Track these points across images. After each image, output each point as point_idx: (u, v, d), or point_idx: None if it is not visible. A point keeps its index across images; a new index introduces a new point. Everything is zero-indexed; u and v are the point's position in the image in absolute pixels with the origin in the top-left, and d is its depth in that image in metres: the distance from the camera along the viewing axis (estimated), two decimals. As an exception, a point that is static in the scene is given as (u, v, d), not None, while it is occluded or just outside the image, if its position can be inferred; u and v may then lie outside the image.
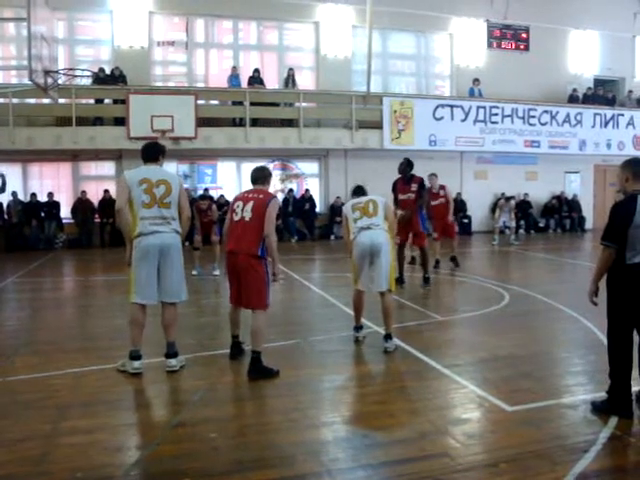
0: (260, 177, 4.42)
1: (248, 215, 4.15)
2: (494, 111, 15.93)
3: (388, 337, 4.89)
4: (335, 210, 14.86)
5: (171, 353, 4.34)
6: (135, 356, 4.27)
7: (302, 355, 4.89)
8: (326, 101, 15.14)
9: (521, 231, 16.14)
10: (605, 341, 3.77)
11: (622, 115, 17.25)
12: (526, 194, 16.61)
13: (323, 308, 6.80)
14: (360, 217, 4.93)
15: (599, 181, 18.21)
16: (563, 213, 17.18)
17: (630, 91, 18.18)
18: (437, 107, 15.44)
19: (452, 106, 15.57)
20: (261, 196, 4.25)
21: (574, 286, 8.38)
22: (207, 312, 6.72)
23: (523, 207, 16.40)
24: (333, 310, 6.56)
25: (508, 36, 17.06)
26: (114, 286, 8.33)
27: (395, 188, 7.89)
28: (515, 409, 3.56)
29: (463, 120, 15.62)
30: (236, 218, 4.22)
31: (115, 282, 8.62)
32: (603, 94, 17.57)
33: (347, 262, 6.78)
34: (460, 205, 15.77)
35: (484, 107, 15.79)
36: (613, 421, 3.39)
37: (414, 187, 7.67)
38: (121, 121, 13.50)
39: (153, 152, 4.34)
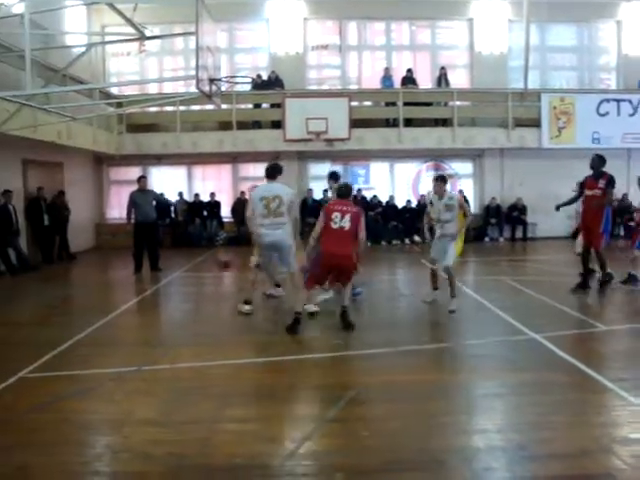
0: (348, 193, 6.33)
1: (347, 225, 5.92)
2: (667, 104, 15.95)
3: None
4: (490, 211, 15.75)
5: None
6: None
7: (454, 358, 5.29)
8: (481, 99, 16.10)
9: None
10: None
11: None
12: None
13: (478, 312, 7.09)
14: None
15: None
16: None
17: None
18: (601, 102, 15.84)
19: (619, 100, 15.88)
20: (354, 209, 6.08)
21: None
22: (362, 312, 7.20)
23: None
24: (487, 314, 6.88)
25: (684, 21, 16.93)
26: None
27: (583, 184, 8.69)
28: None
29: (631, 115, 15.90)
30: (335, 226, 5.93)
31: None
32: None
33: (501, 264, 8.05)
34: (625, 208, 15.94)
35: (656, 101, 15.88)
36: None
37: (602, 184, 8.30)
38: (278, 124, 15.40)
39: (272, 172, 6.70)
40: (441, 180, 7.21)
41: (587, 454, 3.21)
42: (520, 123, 15.75)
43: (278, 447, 3.34)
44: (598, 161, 8.44)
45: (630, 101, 15.94)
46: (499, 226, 15.87)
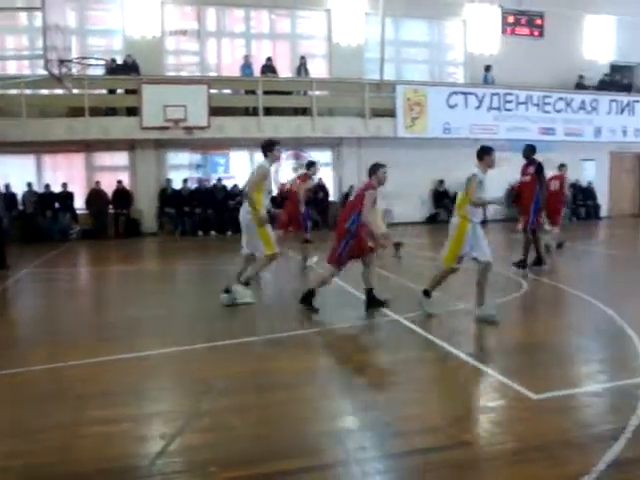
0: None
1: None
2: (508, 98, 17.93)
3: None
4: (348, 199, 16.74)
5: None
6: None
7: (322, 343, 5.56)
8: (339, 89, 17.09)
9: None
10: (628, 328, 4.97)
11: (638, 102, 19.25)
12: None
13: (343, 296, 7.35)
14: None
15: (615, 168, 20.27)
16: (578, 201, 19.12)
17: (646, 77, 20.17)
18: (451, 94, 17.41)
19: (466, 93, 17.55)
20: (362, 189, 6.37)
21: (591, 273, 9.81)
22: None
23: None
24: (352, 298, 7.13)
25: (522, 22, 19.11)
26: (129, 276, 9.79)
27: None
28: (541, 397, 3.89)
29: (477, 107, 17.63)
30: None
31: (130, 272, 10.12)
32: (619, 80, 19.48)
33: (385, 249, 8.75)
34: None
35: (498, 94, 17.79)
36: None
37: (531, 170, 9.24)
38: (134, 111, 15.33)
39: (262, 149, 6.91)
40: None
41: (451, 425, 3.50)
42: (377, 113, 16.91)
43: (147, 446, 3.34)
44: (528, 150, 9.45)
45: (476, 95, 17.68)
46: (357, 213, 16.88)
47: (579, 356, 5.18)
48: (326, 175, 17.36)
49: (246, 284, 6.89)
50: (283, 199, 12.18)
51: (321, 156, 17.47)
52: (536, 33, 19.34)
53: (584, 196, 19.46)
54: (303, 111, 16.54)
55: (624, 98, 19.32)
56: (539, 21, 19.31)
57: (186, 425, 3.57)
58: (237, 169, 16.88)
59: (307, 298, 6.40)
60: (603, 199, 19.88)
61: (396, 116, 16.91)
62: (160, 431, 3.52)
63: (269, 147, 6.89)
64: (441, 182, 17.89)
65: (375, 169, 6.42)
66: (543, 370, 4.57)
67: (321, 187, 16.66)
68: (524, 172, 9.48)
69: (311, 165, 10.44)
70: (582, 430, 3.50)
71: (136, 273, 10.30)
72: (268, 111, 16.06)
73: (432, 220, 17.82)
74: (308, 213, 10.42)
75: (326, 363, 5.00)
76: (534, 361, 4.84)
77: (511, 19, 19.09)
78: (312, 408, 3.86)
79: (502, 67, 18.37)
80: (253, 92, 16.08)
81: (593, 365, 4.87)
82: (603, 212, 19.75)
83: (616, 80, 19.76)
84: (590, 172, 19.93)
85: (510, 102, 18.05)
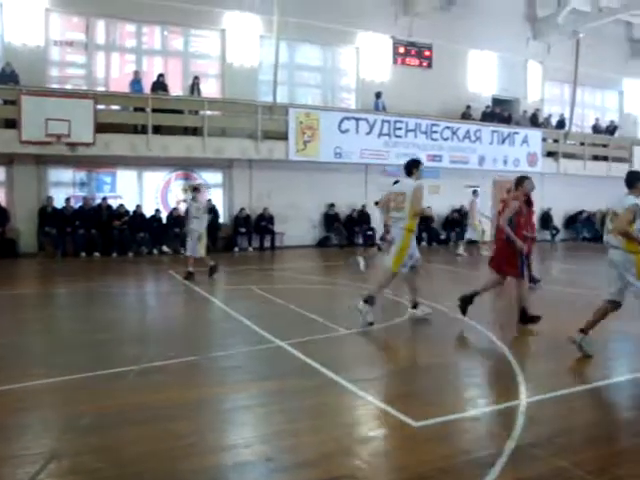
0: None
1: None
2: (398, 125, 19.31)
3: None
4: (239, 221, 17.36)
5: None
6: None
7: (201, 373, 5.47)
8: (231, 110, 17.69)
9: (423, 243, 19.50)
10: (506, 350, 5.59)
11: (517, 133, 21.38)
12: (429, 207, 20.00)
13: (225, 323, 7.68)
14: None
15: (497, 195, 22.09)
16: (464, 226, 20.73)
17: (525, 111, 22.41)
18: (343, 119, 18.51)
19: (357, 119, 18.73)
20: None
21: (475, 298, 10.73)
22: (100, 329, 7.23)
23: (425, 220, 19.80)
24: (235, 324, 7.42)
25: (412, 53, 20.69)
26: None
27: None
28: (421, 424, 4.06)
29: (368, 133, 18.85)
30: None
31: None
32: (500, 113, 21.52)
33: (250, 274, 9.14)
34: (364, 217, 18.89)
35: (389, 121, 19.10)
36: (517, 432, 3.96)
37: None
38: (12, 123, 15.10)
39: (408, 168, 7.55)
40: None
41: (330, 457, 3.58)
42: (269, 135, 17.67)
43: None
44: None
45: (367, 120, 18.89)
46: (248, 236, 17.57)
47: (460, 381, 5.47)
48: (217, 197, 17.86)
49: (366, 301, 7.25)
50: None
51: (212, 177, 18.00)
52: (425, 64, 21.00)
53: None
54: (194, 131, 16.96)
55: (505, 129, 21.32)
56: (427, 53, 20.99)
57: (42, 469, 3.39)
58: (124, 188, 16.97)
59: (528, 320, 7.25)
60: (486, 224, 21.68)
61: (288, 139, 17.67)
62: (12, 477, 3.31)
63: (416, 166, 7.52)
64: (332, 206, 18.88)
65: (521, 181, 7.47)
66: (424, 396, 4.81)
67: (210, 209, 17.08)
68: None
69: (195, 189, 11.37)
70: (461, 457, 3.66)
71: (5, 297, 10.06)
72: (157, 129, 16.34)
73: (322, 244, 18.72)
74: None
75: (204, 394, 4.86)
76: (416, 387, 5.10)
77: (402, 49, 20.63)
78: (187, 444, 3.78)
79: (393, 95, 19.80)
80: (142, 109, 16.30)
81: (473, 390, 5.19)
82: (487, 236, 21.52)
83: (497, 112, 21.75)
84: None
85: (400, 129, 19.42)
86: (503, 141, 21.31)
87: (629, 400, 5.04)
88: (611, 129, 25.04)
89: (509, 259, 7.31)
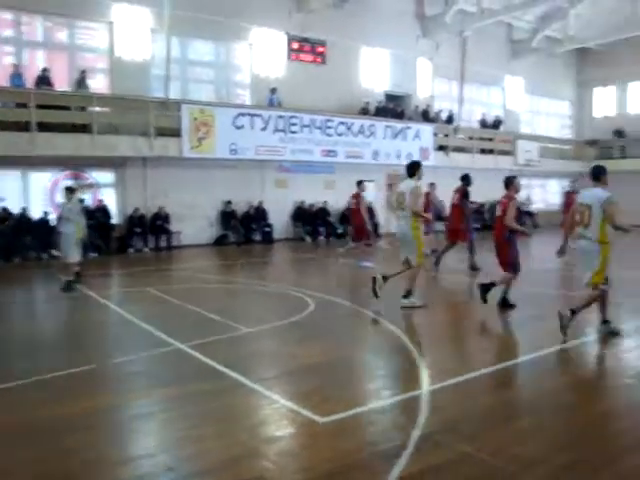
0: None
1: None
2: (293, 121, 19.80)
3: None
4: (134, 221, 17.26)
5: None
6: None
7: (97, 382, 5.32)
8: (122, 106, 17.42)
9: (321, 237, 20.21)
10: (407, 341, 6.11)
11: (410, 128, 22.51)
12: (325, 202, 20.78)
13: (122, 327, 7.57)
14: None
15: (391, 189, 23.21)
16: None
17: (416, 106, 23.60)
18: (237, 116, 18.77)
19: (252, 115, 19.05)
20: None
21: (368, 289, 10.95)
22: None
23: (322, 215, 20.52)
24: (132, 328, 7.31)
25: (306, 49, 21.23)
26: None
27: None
28: (327, 420, 4.18)
29: (263, 129, 19.20)
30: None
31: None
32: (393, 108, 22.55)
33: (147, 275, 9.10)
34: (261, 214, 19.32)
35: (283, 117, 19.56)
36: (421, 421, 4.14)
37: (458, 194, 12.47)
38: None
39: (410, 169, 8.48)
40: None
41: (238, 461, 3.59)
42: (162, 132, 17.57)
43: None
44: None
45: (262, 117, 19.22)
46: (143, 236, 17.49)
47: (364, 374, 5.67)
48: (109, 196, 17.63)
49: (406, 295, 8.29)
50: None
51: (103, 176, 17.72)
52: (319, 60, 21.62)
53: (371, 215, 22.06)
54: (83, 128, 16.56)
55: (397, 124, 22.37)
56: (321, 49, 21.61)
57: None
58: (7, 190, 16.32)
59: (507, 306, 8.06)
60: (381, 217, 22.77)
61: (182, 136, 17.67)
62: None
63: (417, 168, 8.43)
64: (229, 203, 19.15)
65: (511, 180, 8.15)
66: (329, 391, 4.90)
67: (100, 209, 16.90)
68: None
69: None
70: (368, 450, 3.78)
71: None
72: (43, 126, 15.85)
73: (220, 242, 18.95)
74: None
75: (100, 404, 4.72)
76: (320, 383, 5.14)
77: (296, 45, 21.12)
78: (81, 460, 3.70)
79: (288, 90, 20.28)
80: (25, 105, 15.77)
81: (377, 382, 5.37)
82: (383, 229, 22.60)
83: (390, 108, 22.78)
84: (370, 192, 22.65)
85: (295, 125, 19.91)
86: (396, 136, 22.34)
87: (525, 381, 5.48)
88: (496, 124, 26.85)
89: (503, 255, 8.13)
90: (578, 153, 30.34)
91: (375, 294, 8.43)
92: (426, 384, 5.01)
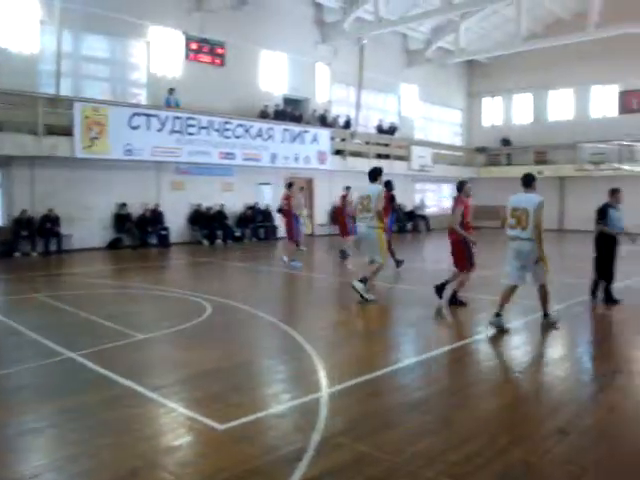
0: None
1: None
2: (191, 122, 19.85)
3: None
4: (20, 223, 16.70)
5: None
6: None
7: None
8: (7, 102, 16.74)
9: (219, 241, 20.42)
10: (305, 344, 6.28)
11: (307, 132, 23.14)
12: (222, 205, 21.00)
13: (7, 337, 7.17)
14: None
15: (296, 192, 23.77)
16: (257, 223, 22.08)
17: (314, 110, 24.29)
18: (133, 115, 18.57)
19: (149, 115, 18.91)
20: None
21: (272, 292, 11.10)
22: None
23: (220, 218, 20.74)
24: (19, 338, 6.97)
25: (205, 49, 21.31)
26: None
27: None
28: (227, 426, 4.20)
29: (160, 130, 19.12)
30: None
31: None
32: (291, 112, 23.09)
33: (35, 280, 8.89)
34: (158, 217, 19.26)
35: (181, 118, 19.57)
36: (321, 423, 4.25)
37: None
38: None
39: (372, 174, 9.42)
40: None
41: (134, 475, 3.52)
42: (52, 131, 17.07)
43: None
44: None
45: (159, 117, 19.13)
46: (31, 239, 16.94)
47: (263, 378, 5.72)
48: (-8, 197, 16.98)
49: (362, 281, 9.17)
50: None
51: (-14, 176, 17.01)
52: (217, 61, 21.76)
53: (263, 217, 22.55)
54: (-37, 125, 15.86)
55: (295, 128, 22.93)
56: (220, 50, 21.76)
57: None
58: None
59: (458, 303, 8.79)
60: (279, 220, 23.22)
61: (74, 135, 17.27)
62: None
63: (379, 174, 9.44)
64: (123, 205, 18.93)
65: (462, 185, 8.82)
66: (228, 397, 4.89)
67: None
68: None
69: None
70: (269, 455, 3.82)
71: None
72: None
73: (114, 246, 18.69)
74: None
75: None
76: (219, 388, 5.14)
77: (194, 46, 21.14)
78: None
79: (185, 91, 20.29)
80: None
81: (276, 386, 5.41)
82: (280, 233, 23.09)
83: (289, 112, 23.32)
84: (267, 195, 23.17)
85: (192, 126, 19.95)
86: (294, 139, 22.89)
87: (418, 381, 5.66)
88: (392, 130, 28.09)
89: (458, 254, 8.87)
90: (468, 159, 32.35)
91: (363, 298, 9.17)
92: (325, 386, 5.15)
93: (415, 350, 6.96)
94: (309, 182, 24.86)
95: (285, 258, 14.49)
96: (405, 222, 27.46)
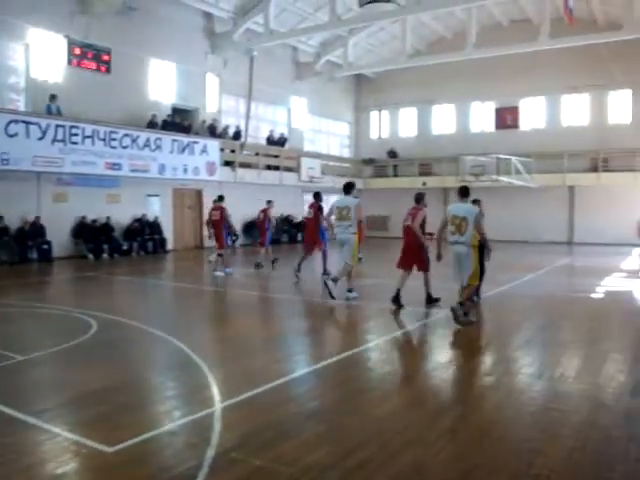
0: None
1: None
2: (74, 131, 19.40)
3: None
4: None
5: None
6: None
7: None
8: None
9: (105, 255, 20.06)
10: (197, 358, 6.12)
11: (197, 143, 23.27)
12: (108, 217, 20.68)
13: None
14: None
15: (178, 204, 23.95)
16: (145, 235, 21.91)
17: (203, 121, 24.46)
18: (10, 122, 17.87)
19: (28, 123, 18.27)
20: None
21: (161, 307, 11.06)
22: None
23: (106, 230, 20.40)
24: None
25: (89, 55, 20.91)
26: None
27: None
28: (117, 449, 4.09)
29: (40, 139, 18.53)
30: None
31: None
32: (180, 122, 23.14)
33: None
34: (38, 230, 18.67)
35: (63, 126, 19.07)
36: (215, 439, 4.24)
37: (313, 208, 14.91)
38: None
39: (347, 188, 10.80)
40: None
41: None
42: None
43: None
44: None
45: (39, 125, 18.53)
46: None
47: (153, 396, 5.57)
48: None
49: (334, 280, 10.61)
50: None
51: None
52: (103, 68, 21.38)
53: (151, 230, 22.38)
54: None
55: (185, 139, 22.96)
56: (106, 57, 21.41)
57: None
58: None
59: (433, 301, 10.21)
60: (168, 233, 23.22)
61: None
62: None
63: (353, 187, 11.06)
64: (1, 218, 18.18)
65: (422, 197, 10.31)
66: (117, 418, 4.77)
67: None
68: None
69: None
70: (162, 475, 3.76)
71: None
72: None
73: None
74: None
75: None
76: (107, 409, 4.98)
77: (78, 51, 20.64)
78: None
79: (69, 99, 19.79)
80: None
81: (168, 403, 5.29)
82: (169, 245, 23.06)
83: (177, 122, 23.34)
84: (156, 207, 23.05)
85: (76, 135, 19.46)
86: (183, 150, 22.90)
87: (312, 391, 5.85)
88: (282, 141, 28.75)
89: (419, 256, 10.04)
90: (356, 171, 33.69)
91: (331, 295, 10.56)
92: (218, 401, 5.18)
93: (309, 360, 7.12)
94: (198, 193, 24.94)
95: (227, 269, 15.59)
96: (297, 232, 28.13)
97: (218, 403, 5.14)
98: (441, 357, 7.42)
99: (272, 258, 16.73)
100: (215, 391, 5.48)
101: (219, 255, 15.73)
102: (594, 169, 27.63)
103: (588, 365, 6.83)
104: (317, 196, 14.82)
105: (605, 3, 25.28)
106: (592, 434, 4.66)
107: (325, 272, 13.88)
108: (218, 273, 15.13)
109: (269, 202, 17.66)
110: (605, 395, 5.69)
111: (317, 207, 14.67)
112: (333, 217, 11.12)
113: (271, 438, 4.44)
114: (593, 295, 12.29)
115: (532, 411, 5.27)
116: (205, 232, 18.74)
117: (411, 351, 7.89)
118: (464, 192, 8.92)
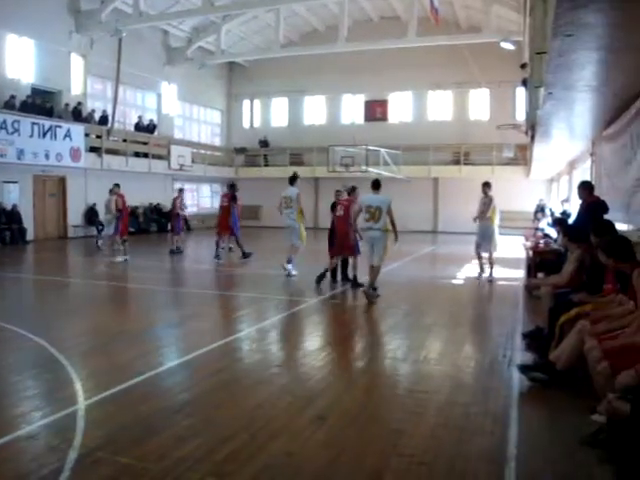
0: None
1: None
2: None
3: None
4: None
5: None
6: None
7: None
8: None
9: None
10: (59, 355, 5.75)
11: (60, 127, 22.39)
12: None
13: None
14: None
15: (38, 192, 22.98)
16: (2, 225, 20.84)
17: (67, 104, 23.57)
18: None
19: None
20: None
21: (19, 301, 10.46)
22: None
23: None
24: None
25: None
26: None
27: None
28: None
29: None
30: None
31: None
32: (41, 104, 22.14)
33: None
34: None
35: None
36: (78, 439, 4.13)
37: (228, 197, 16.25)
38: None
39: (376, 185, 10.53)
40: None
41: None
42: None
43: None
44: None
45: None
46: None
47: (8, 397, 5.20)
48: None
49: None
50: None
51: None
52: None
53: (8, 220, 21.28)
54: None
55: (46, 122, 21.98)
56: (-45, 29, 20.00)
57: None
58: None
59: (358, 284, 11.00)
60: (28, 222, 22.20)
61: None
62: None
63: (296, 179, 12.67)
64: None
65: (354, 189, 11.45)
66: None
67: None
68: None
69: None
70: None
71: None
72: None
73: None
74: None
75: None
76: None
77: None
78: None
79: None
80: None
81: (26, 404, 5.01)
82: (29, 236, 22.06)
83: (38, 104, 22.30)
84: (14, 195, 21.95)
85: None
86: (45, 134, 21.89)
87: (181, 384, 5.80)
88: (151, 128, 28.33)
89: (347, 243, 11.15)
90: (228, 160, 33.88)
91: (318, 283, 11.60)
92: (81, 399, 5.02)
93: (178, 352, 7.06)
94: (62, 181, 24.06)
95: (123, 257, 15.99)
96: (167, 222, 27.79)
97: (82, 401, 5.00)
98: (311, 344, 7.67)
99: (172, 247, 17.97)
100: (79, 388, 5.32)
101: (124, 241, 16.23)
102: (456, 162, 29.79)
103: (449, 347, 7.34)
104: (232, 187, 16.20)
105: (467, 7, 27.31)
106: (453, 412, 5.00)
107: (245, 255, 15.62)
108: (119, 259, 15.81)
109: (180, 190, 19.03)
110: (464, 375, 6.14)
111: (231, 196, 15.93)
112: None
113: (139, 434, 4.38)
114: (454, 281, 13.37)
115: (399, 393, 5.65)
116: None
117: (282, 339, 8.07)
118: (376, 185, 10.24)
